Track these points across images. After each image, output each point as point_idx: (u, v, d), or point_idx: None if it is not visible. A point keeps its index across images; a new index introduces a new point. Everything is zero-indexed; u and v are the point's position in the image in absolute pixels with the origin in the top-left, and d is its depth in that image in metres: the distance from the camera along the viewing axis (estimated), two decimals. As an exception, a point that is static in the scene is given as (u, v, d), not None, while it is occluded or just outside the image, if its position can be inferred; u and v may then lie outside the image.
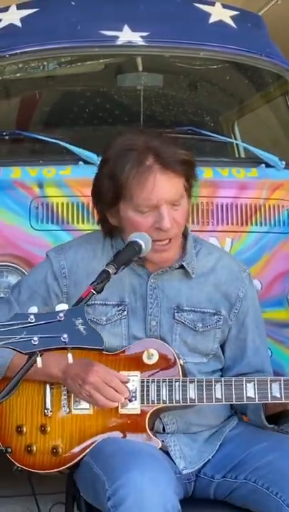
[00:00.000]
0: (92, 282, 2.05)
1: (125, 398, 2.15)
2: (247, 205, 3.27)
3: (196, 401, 2.16)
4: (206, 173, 3.29)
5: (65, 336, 1.83)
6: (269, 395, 2.13)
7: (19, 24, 3.75)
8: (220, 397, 2.15)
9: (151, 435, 2.17)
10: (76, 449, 2.20)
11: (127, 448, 2.10)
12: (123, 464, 2.01)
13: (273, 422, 2.24)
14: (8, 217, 3.20)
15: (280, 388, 2.12)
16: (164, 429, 2.24)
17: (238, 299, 2.33)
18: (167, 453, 2.22)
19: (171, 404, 2.17)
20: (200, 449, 2.27)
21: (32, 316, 1.84)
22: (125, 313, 2.26)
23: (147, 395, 2.17)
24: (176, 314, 2.27)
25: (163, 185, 2.15)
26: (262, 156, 3.43)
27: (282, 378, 2.13)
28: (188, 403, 2.16)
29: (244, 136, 4.33)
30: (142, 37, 3.64)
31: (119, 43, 3.63)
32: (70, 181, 3.23)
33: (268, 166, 3.41)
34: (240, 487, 2.17)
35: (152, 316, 2.27)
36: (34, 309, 1.87)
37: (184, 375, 2.20)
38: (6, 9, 3.87)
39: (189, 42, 3.70)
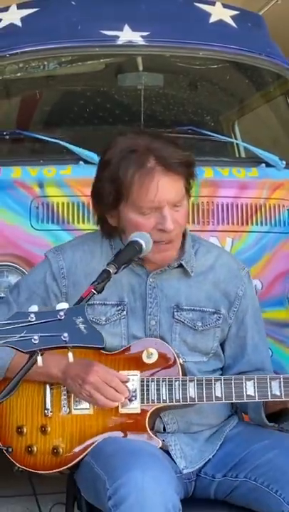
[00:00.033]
0: (93, 282, 2.04)
1: (125, 398, 2.15)
2: (247, 204, 3.27)
3: (196, 400, 2.16)
4: (206, 172, 3.29)
5: (66, 334, 1.83)
6: (269, 393, 2.13)
7: (19, 24, 3.75)
8: (220, 395, 2.15)
9: (152, 434, 2.17)
10: (77, 449, 2.20)
11: (127, 447, 2.10)
12: (124, 463, 2.01)
13: (274, 420, 2.24)
14: (9, 216, 3.20)
15: (280, 386, 2.12)
16: (164, 429, 2.25)
17: (238, 297, 2.33)
18: (168, 452, 2.22)
19: (171, 404, 2.17)
20: (200, 449, 2.27)
21: (32, 315, 1.84)
22: (124, 312, 2.27)
23: (147, 394, 2.17)
24: (175, 313, 2.27)
25: (166, 188, 2.15)
26: (262, 156, 3.43)
27: (281, 376, 2.14)
28: (188, 402, 2.16)
29: (244, 136, 4.33)
30: (142, 37, 3.64)
31: (119, 42, 3.63)
32: (70, 181, 3.23)
33: (268, 165, 3.41)
34: (241, 486, 2.18)
35: (152, 316, 2.27)
36: (34, 308, 1.87)
37: (184, 374, 2.20)
38: (6, 9, 3.87)
39: (190, 41, 3.71)
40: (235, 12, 3.91)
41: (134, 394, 2.17)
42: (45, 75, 3.98)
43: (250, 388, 2.14)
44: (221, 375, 2.31)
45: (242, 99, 4.35)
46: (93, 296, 2.03)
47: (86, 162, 3.24)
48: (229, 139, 4.11)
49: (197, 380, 2.16)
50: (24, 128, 3.89)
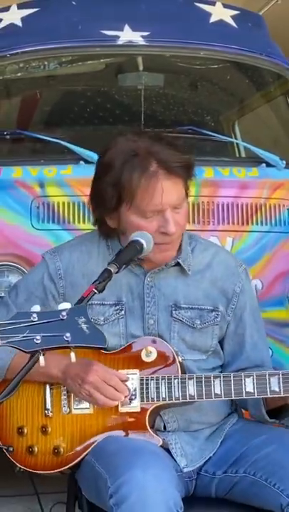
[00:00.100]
0: (94, 281, 2.04)
1: (125, 396, 2.15)
2: (248, 204, 3.27)
3: (196, 397, 2.16)
4: (206, 172, 3.29)
5: (68, 334, 1.83)
6: (268, 389, 2.13)
7: (20, 24, 3.76)
8: (219, 392, 2.15)
9: (152, 433, 2.17)
10: (77, 449, 2.20)
11: (129, 446, 2.10)
12: (125, 461, 2.01)
13: (274, 416, 2.24)
14: (9, 216, 3.21)
15: (279, 382, 2.13)
16: (164, 427, 2.25)
17: (235, 295, 2.33)
18: (168, 451, 2.22)
19: (171, 401, 2.17)
20: (201, 447, 2.27)
21: (34, 315, 1.84)
22: (123, 312, 2.27)
23: (147, 392, 2.18)
24: (173, 312, 2.28)
25: (169, 191, 2.16)
26: (262, 156, 3.43)
27: (280, 372, 2.14)
28: (188, 400, 2.16)
29: (245, 136, 4.34)
30: (142, 36, 3.64)
31: (119, 42, 3.63)
32: (71, 181, 3.23)
33: (268, 165, 3.41)
34: (241, 481, 2.18)
35: (150, 315, 2.27)
36: (37, 308, 1.87)
37: (183, 371, 2.20)
38: (6, 9, 3.87)
39: (190, 41, 3.71)
40: (235, 12, 3.91)
41: (133, 393, 2.18)
42: (46, 75, 3.98)
43: (249, 385, 2.14)
44: (221, 372, 2.32)
45: (242, 99, 4.35)
46: (94, 295, 2.03)
47: (87, 162, 3.24)
48: (229, 139, 4.11)
49: (196, 378, 2.17)
50: (25, 128, 3.89)
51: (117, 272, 2.08)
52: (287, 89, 3.89)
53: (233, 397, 2.18)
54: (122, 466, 2.00)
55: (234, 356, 2.35)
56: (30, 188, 3.24)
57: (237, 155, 4.15)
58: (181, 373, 2.19)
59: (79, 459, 2.19)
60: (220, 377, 2.16)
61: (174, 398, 2.16)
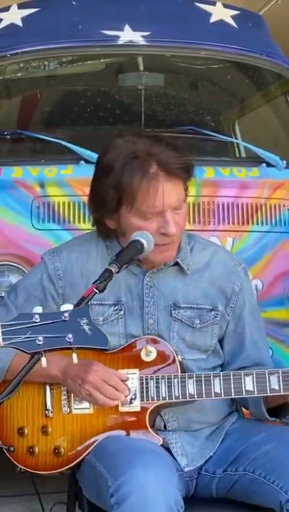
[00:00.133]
0: (95, 281, 2.05)
1: (125, 396, 2.16)
2: (248, 204, 3.27)
3: (196, 396, 2.16)
4: (207, 172, 3.29)
5: (70, 336, 1.83)
6: (268, 387, 2.14)
7: (20, 24, 3.76)
8: (219, 391, 2.16)
9: (152, 432, 2.18)
10: (78, 449, 2.20)
11: (130, 446, 2.11)
12: (126, 461, 2.01)
13: (275, 414, 2.25)
14: (10, 216, 3.21)
15: (279, 380, 2.13)
16: (165, 427, 2.25)
17: (234, 294, 2.33)
18: (169, 450, 2.23)
19: (171, 400, 2.17)
20: (201, 447, 2.27)
21: (37, 316, 1.84)
22: (122, 312, 2.27)
23: (147, 392, 2.18)
24: (173, 312, 2.28)
25: (169, 193, 2.16)
26: (263, 156, 3.43)
27: (280, 370, 2.14)
28: (188, 399, 2.17)
29: (245, 136, 4.34)
30: (142, 36, 3.64)
31: (120, 42, 3.63)
32: (71, 181, 3.23)
33: (269, 165, 3.41)
34: (240, 479, 2.18)
35: (149, 315, 2.27)
36: (39, 309, 1.87)
37: (183, 370, 2.20)
38: (7, 9, 3.87)
39: (190, 41, 3.71)
40: (235, 12, 3.91)
41: (133, 392, 2.18)
42: (46, 75, 3.98)
43: (249, 383, 2.15)
44: (221, 371, 2.32)
45: (243, 99, 4.35)
46: (94, 295, 2.03)
47: (87, 162, 3.24)
48: (230, 139, 4.12)
49: (196, 377, 2.17)
50: (25, 128, 3.89)
51: (117, 272, 2.09)
52: (287, 89, 3.89)
53: (233, 396, 2.19)
54: (123, 465, 2.00)
55: (234, 355, 2.35)
56: (30, 188, 3.24)
57: (237, 155, 4.16)
58: (181, 372, 2.19)
59: (79, 459, 2.20)
60: (219, 376, 2.17)
61: (173, 397, 2.16)
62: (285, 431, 2.25)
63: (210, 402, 2.26)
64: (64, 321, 1.84)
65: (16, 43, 3.66)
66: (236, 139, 4.33)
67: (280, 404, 2.23)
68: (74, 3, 3.85)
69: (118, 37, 3.63)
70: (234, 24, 3.85)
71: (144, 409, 2.18)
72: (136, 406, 2.18)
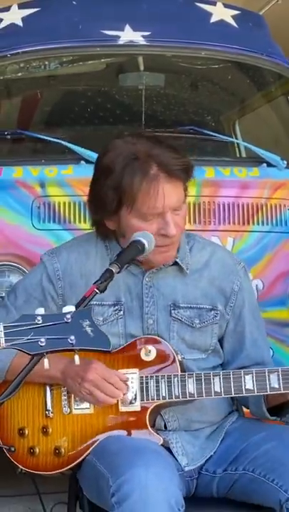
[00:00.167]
0: (96, 281, 2.05)
1: (124, 394, 2.15)
2: (249, 204, 3.27)
3: (196, 395, 2.17)
4: (207, 172, 3.29)
5: (72, 337, 1.83)
6: (268, 386, 2.14)
7: (20, 24, 3.76)
8: (219, 390, 2.16)
9: (153, 432, 2.18)
10: (78, 449, 2.20)
11: (130, 445, 2.11)
12: (127, 460, 2.02)
13: (275, 413, 2.25)
14: (10, 216, 3.20)
15: (279, 379, 2.13)
16: (165, 427, 2.25)
17: (233, 293, 2.33)
18: (169, 450, 2.23)
19: (171, 400, 2.17)
20: (202, 446, 2.28)
21: (39, 317, 1.84)
22: (121, 312, 2.27)
23: (147, 391, 2.18)
24: (172, 312, 2.28)
25: (169, 194, 2.17)
26: (263, 156, 3.43)
27: (280, 369, 2.14)
28: (188, 398, 2.17)
29: (245, 136, 4.34)
30: (143, 36, 3.64)
31: (120, 42, 3.63)
32: (71, 181, 3.23)
33: (269, 165, 3.41)
34: (240, 478, 2.19)
35: (149, 315, 2.28)
36: (41, 310, 1.87)
37: (183, 370, 2.20)
38: (7, 9, 3.87)
39: (191, 41, 3.71)
40: (236, 12, 3.91)
41: (133, 392, 2.18)
42: (46, 75, 3.98)
43: (248, 382, 2.15)
44: (221, 371, 2.32)
45: (243, 99, 4.35)
46: (95, 295, 2.03)
47: (87, 162, 3.24)
48: (230, 139, 4.11)
49: (196, 376, 2.17)
50: (25, 128, 3.89)
51: (118, 272, 2.09)
52: (287, 89, 3.89)
53: (233, 395, 2.19)
54: (124, 465, 2.01)
55: (234, 354, 2.36)
56: (31, 188, 3.24)
57: (238, 155, 4.15)
58: (181, 371, 2.19)
59: (80, 459, 2.20)
60: (219, 374, 2.17)
61: (173, 396, 2.17)
62: (285, 430, 2.25)
63: (210, 402, 2.26)
64: (66, 322, 1.84)
65: (16, 42, 3.66)
66: (237, 139, 4.33)
67: (280, 403, 2.23)
68: (74, 3, 3.85)
69: (118, 37, 3.64)
70: (235, 24, 3.86)
71: (144, 409, 2.18)
72: (136, 406, 2.18)
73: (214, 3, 3.92)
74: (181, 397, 2.17)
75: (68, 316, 1.85)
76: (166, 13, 3.77)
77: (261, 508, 2.16)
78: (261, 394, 2.18)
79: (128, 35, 3.64)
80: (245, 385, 2.15)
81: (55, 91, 4.27)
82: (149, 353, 2.22)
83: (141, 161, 2.17)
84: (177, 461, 2.22)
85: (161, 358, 2.21)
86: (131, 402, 2.18)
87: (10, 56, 3.66)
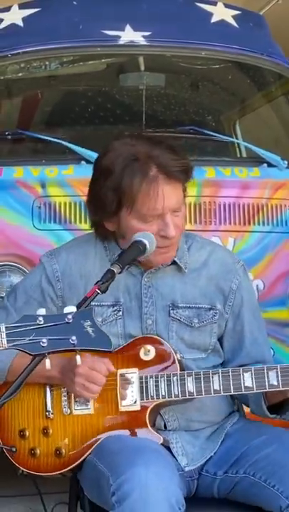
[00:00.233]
0: (97, 282, 2.05)
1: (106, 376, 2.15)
2: (249, 204, 3.27)
3: (195, 394, 2.17)
4: (208, 172, 3.29)
5: (74, 338, 1.84)
6: (266, 383, 2.14)
7: (21, 24, 3.76)
8: (218, 388, 2.16)
9: (153, 431, 2.18)
10: (79, 450, 2.21)
11: (130, 444, 2.11)
12: (127, 459, 2.02)
13: (275, 411, 2.24)
14: (11, 216, 3.20)
15: (277, 376, 2.13)
16: (165, 426, 2.26)
17: (232, 292, 2.33)
18: (169, 449, 2.23)
19: (171, 399, 2.18)
20: (202, 446, 2.28)
21: (41, 318, 1.85)
22: (120, 313, 2.28)
23: (146, 390, 2.18)
24: (171, 312, 2.28)
25: (169, 196, 2.17)
26: (264, 156, 3.43)
27: (278, 366, 2.14)
28: (187, 396, 2.17)
29: (246, 136, 4.34)
30: (144, 36, 3.64)
31: (121, 42, 3.63)
32: (72, 181, 3.23)
33: (270, 165, 3.41)
34: (241, 481, 2.19)
35: (148, 315, 2.28)
36: (42, 311, 1.88)
37: (182, 369, 2.21)
38: (7, 9, 3.87)
39: (191, 41, 3.71)
40: (236, 12, 3.91)
41: (132, 390, 2.18)
42: (47, 75, 3.98)
43: (247, 379, 2.15)
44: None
45: (243, 99, 4.35)
46: (97, 295, 2.04)
47: (88, 162, 3.23)
48: (231, 139, 4.12)
49: (195, 374, 2.17)
50: (26, 128, 3.89)
51: (120, 273, 2.09)
52: (288, 89, 3.89)
53: (232, 393, 2.19)
54: (124, 464, 2.01)
55: (234, 353, 2.36)
56: (31, 188, 3.24)
57: (238, 155, 4.15)
58: (180, 370, 2.20)
59: (81, 459, 2.20)
60: (218, 373, 2.17)
61: (173, 395, 2.17)
62: (286, 433, 2.25)
63: (210, 401, 2.26)
64: (67, 323, 1.84)
65: (16, 43, 3.67)
66: (237, 139, 4.33)
67: (280, 401, 2.22)
68: (75, 3, 3.85)
69: (119, 37, 3.64)
70: (235, 24, 3.86)
71: (144, 408, 2.18)
72: (136, 405, 2.18)
73: (215, 3, 3.92)
74: (180, 396, 2.17)
75: (69, 316, 1.86)
76: (166, 13, 3.77)
77: (262, 510, 2.15)
78: (260, 391, 2.18)
79: (128, 35, 3.64)
80: (244, 383, 2.15)
81: (55, 91, 4.27)
82: (148, 352, 2.22)
83: (140, 162, 2.17)
84: (177, 461, 2.22)
85: (161, 357, 2.22)
86: (130, 402, 2.18)
87: (10, 56, 3.66)
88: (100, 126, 4.17)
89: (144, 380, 2.19)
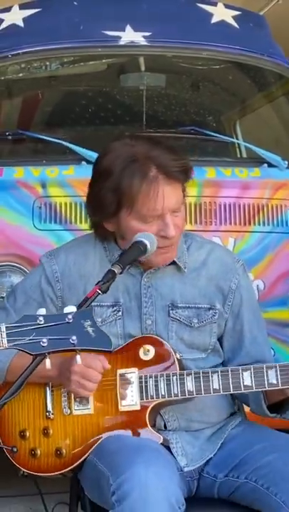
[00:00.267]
0: (98, 282, 2.06)
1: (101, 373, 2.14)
2: (250, 204, 3.27)
3: (194, 393, 2.17)
4: (208, 173, 3.29)
5: (74, 337, 1.84)
6: (266, 382, 2.14)
7: (21, 24, 3.76)
8: (217, 387, 2.16)
9: (153, 430, 2.18)
10: (79, 450, 2.20)
11: (130, 444, 2.11)
12: (127, 459, 2.02)
13: (275, 410, 2.24)
14: (11, 217, 3.20)
15: (277, 375, 2.13)
16: (165, 426, 2.25)
17: (231, 291, 2.33)
18: (169, 449, 2.23)
19: (170, 398, 2.18)
20: (202, 447, 2.27)
21: (41, 318, 1.85)
22: (120, 313, 2.28)
23: (146, 390, 2.19)
24: (170, 312, 2.28)
25: (168, 196, 2.17)
26: (264, 156, 3.43)
27: (277, 364, 2.14)
28: (187, 396, 2.17)
29: (246, 136, 4.34)
30: (144, 37, 3.65)
31: (121, 43, 3.64)
32: (73, 181, 3.23)
33: (270, 165, 3.41)
34: (242, 486, 2.18)
35: (147, 315, 2.28)
36: (43, 311, 1.88)
37: (181, 368, 2.21)
38: (8, 9, 3.88)
39: (192, 42, 3.71)
40: (237, 12, 3.92)
41: (132, 390, 2.19)
42: (47, 76, 3.98)
43: (247, 378, 2.15)
44: (221, 369, 2.32)
45: (244, 99, 4.35)
46: (98, 296, 2.04)
47: (88, 162, 3.23)
48: (231, 139, 4.12)
49: (194, 374, 2.17)
50: (26, 128, 3.89)
51: (121, 273, 2.10)
52: (288, 89, 3.89)
53: (232, 391, 2.18)
54: (124, 463, 2.01)
55: (234, 353, 2.35)
56: (32, 189, 3.24)
57: (239, 155, 4.15)
58: (180, 370, 2.20)
59: (81, 459, 2.20)
60: (218, 372, 2.17)
61: (172, 395, 2.17)
62: (287, 440, 2.24)
63: (210, 401, 2.26)
64: (68, 322, 1.85)
65: (17, 43, 3.67)
66: (237, 139, 4.33)
67: (280, 400, 2.22)
68: (75, 3, 3.85)
69: (119, 37, 3.64)
70: (235, 25, 3.86)
71: (144, 408, 2.18)
72: (136, 405, 2.18)
73: (215, 4, 3.92)
74: (180, 395, 2.17)
75: (70, 316, 1.86)
76: (167, 13, 3.77)
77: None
78: (260, 390, 2.18)
79: (129, 35, 3.64)
80: (243, 382, 2.15)
81: (56, 91, 4.27)
82: (147, 352, 2.22)
83: (140, 163, 2.17)
84: (176, 461, 2.22)
85: (160, 357, 2.22)
86: (130, 401, 2.18)
87: (11, 57, 3.67)
88: (100, 126, 4.17)
89: (143, 380, 2.19)
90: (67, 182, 3.24)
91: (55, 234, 3.18)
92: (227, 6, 3.93)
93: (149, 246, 2.16)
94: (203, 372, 2.17)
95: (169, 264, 2.29)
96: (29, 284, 2.34)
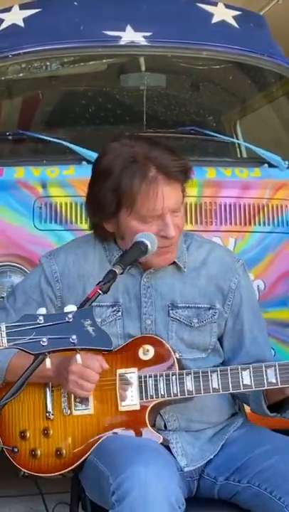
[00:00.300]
0: (99, 282, 2.06)
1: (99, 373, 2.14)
2: (250, 205, 3.27)
3: (194, 392, 2.17)
4: (209, 173, 3.29)
5: (74, 337, 1.84)
6: (265, 381, 2.14)
7: (22, 24, 3.77)
8: (217, 386, 2.16)
9: (152, 430, 2.18)
10: (80, 450, 2.20)
11: (130, 444, 2.11)
12: (127, 459, 2.02)
13: (275, 410, 2.24)
14: (12, 217, 3.20)
15: (276, 374, 2.13)
16: (165, 426, 2.25)
17: (231, 291, 2.33)
18: (169, 449, 2.23)
19: (170, 398, 2.18)
20: (202, 448, 2.27)
21: (41, 317, 1.85)
22: (120, 313, 2.28)
23: (145, 390, 2.19)
24: (170, 312, 2.28)
25: (168, 196, 2.17)
26: (265, 156, 3.43)
27: (277, 363, 2.14)
28: (186, 395, 2.17)
29: (246, 136, 4.34)
30: (144, 37, 3.65)
31: (122, 43, 3.64)
32: (73, 181, 3.23)
33: (270, 166, 3.41)
34: (244, 491, 2.18)
35: (147, 315, 2.28)
36: (43, 310, 1.88)
37: (181, 368, 2.21)
38: (8, 9, 3.88)
39: (192, 42, 3.71)
40: (237, 12, 3.92)
41: (131, 390, 2.19)
42: (48, 76, 3.98)
43: (246, 377, 2.15)
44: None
45: (244, 99, 4.35)
46: (98, 296, 2.04)
47: (89, 162, 3.23)
48: (232, 140, 4.12)
49: (194, 373, 2.17)
50: (27, 128, 3.89)
51: (121, 273, 2.10)
52: (288, 89, 3.89)
53: (231, 391, 2.18)
54: (124, 463, 2.01)
55: (234, 352, 2.35)
56: (32, 189, 3.24)
57: (239, 155, 4.16)
58: (179, 369, 2.20)
59: (81, 459, 2.20)
60: (217, 371, 2.17)
61: (172, 394, 2.17)
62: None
63: (211, 402, 2.26)
64: (68, 322, 1.85)
65: (17, 43, 3.67)
66: (238, 139, 4.33)
67: (280, 399, 2.22)
68: (75, 3, 3.85)
69: (120, 37, 3.64)
70: (236, 25, 3.86)
71: (143, 408, 2.18)
72: (135, 405, 2.19)
73: (215, 4, 3.92)
74: (179, 395, 2.17)
75: (70, 315, 1.86)
76: (167, 13, 3.77)
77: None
78: (259, 389, 2.18)
79: (129, 35, 3.64)
80: (242, 381, 2.15)
81: (56, 91, 4.27)
82: (147, 352, 2.22)
83: (139, 163, 2.17)
84: (176, 461, 2.22)
85: (160, 356, 2.22)
86: (130, 401, 2.18)
87: (11, 57, 3.67)
88: (100, 126, 4.17)
89: (143, 380, 2.19)
90: (68, 182, 3.24)
91: (56, 234, 3.18)
92: (227, 6, 3.93)
93: (150, 246, 2.16)
94: (202, 372, 2.17)
95: (169, 264, 2.29)
96: (29, 284, 2.35)
